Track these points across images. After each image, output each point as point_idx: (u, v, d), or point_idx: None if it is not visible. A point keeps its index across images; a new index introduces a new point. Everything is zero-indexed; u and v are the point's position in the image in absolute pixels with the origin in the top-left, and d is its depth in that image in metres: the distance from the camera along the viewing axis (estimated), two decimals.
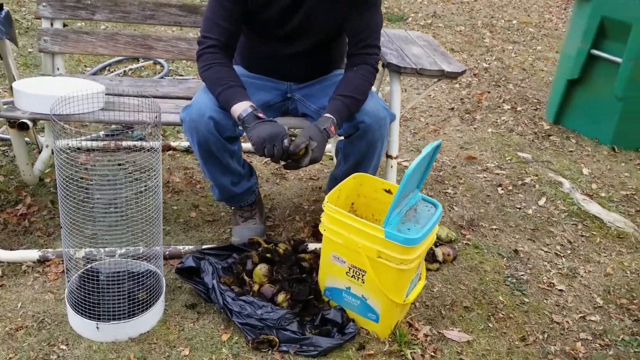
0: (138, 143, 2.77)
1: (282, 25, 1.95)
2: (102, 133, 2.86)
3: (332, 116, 1.84)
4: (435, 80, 2.28)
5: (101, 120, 2.05)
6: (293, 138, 1.83)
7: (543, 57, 5.05)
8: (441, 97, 4.01)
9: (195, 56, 1.92)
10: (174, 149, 2.84)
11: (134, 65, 3.90)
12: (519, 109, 3.88)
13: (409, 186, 1.74)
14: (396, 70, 2.16)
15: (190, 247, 2.11)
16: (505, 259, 2.32)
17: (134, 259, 1.90)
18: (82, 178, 1.59)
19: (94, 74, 3.80)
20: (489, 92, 4.12)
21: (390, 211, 1.69)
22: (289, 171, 2.77)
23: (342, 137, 2.04)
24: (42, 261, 2.00)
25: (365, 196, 2.00)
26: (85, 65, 3.89)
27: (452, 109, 3.81)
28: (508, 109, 3.88)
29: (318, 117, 2.00)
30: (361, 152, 1.97)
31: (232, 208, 2.32)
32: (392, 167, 2.26)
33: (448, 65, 2.24)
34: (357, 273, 1.76)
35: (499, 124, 3.64)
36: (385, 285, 1.74)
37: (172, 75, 3.87)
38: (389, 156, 2.26)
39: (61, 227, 1.70)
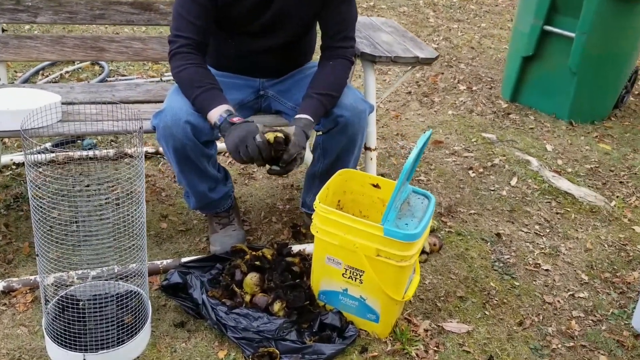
0: (100, 152, 2.65)
1: (253, 21, 1.91)
2: (48, 145, 2.74)
3: (309, 117, 1.82)
4: (409, 67, 2.27)
5: (86, 133, 1.93)
6: (279, 135, 1.76)
7: (489, 34, 5.13)
8: (394, 80, 3.98)
9: (168, 56, 1.85)
10: (131, 156, 2.75)
11: (71, 68, 3.73)
12: (474, 88, 3.93)
13: (402, 180, 1.72)
14: (370, 59, 2.14)
15: (169, 261, 2.04)
16: (489, 243, 2.36)
17: (114, 280, 1.80)
18: (54, 194, 1.51)
19: (26, 80, 3.63)
20: (442, 74, 4.15)
21: (388, 207, 1.68)
22: (256, 170, 2.73)
23: (319, 132, 2.02)
24: (7, 292, 1.89)
25: (352, 192, 1.98)
26: (15, 71, 3.67)
27: (410, 92, 3.80)
28: (464, 89, 3.91)
29: (294, 114, 1.97)
30: (341, 146, 1.96)
31: (206, 215, 2.26)
32: (371, 159, 2.24)
33: (420, 51, 2.23)
34: (355, 274, 1.74)
35: (458, 105, 3.67)
36: (385, 283, 1.72)
37: (113, 76, 3.71)
38: (367, 148, 2.24)
39: (37, 255, 1.59)
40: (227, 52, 2.01)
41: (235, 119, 1.75)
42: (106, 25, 4.21)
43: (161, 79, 3.73)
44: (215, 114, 1.75)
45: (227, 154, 2.87)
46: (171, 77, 3.40)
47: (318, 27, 2.06)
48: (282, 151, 1.73)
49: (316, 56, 2.06)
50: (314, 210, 1.75)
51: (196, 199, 2.07)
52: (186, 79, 1.79)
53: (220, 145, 2.80)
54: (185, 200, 2.17)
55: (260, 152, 1.68)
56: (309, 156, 2.26)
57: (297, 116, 1.81)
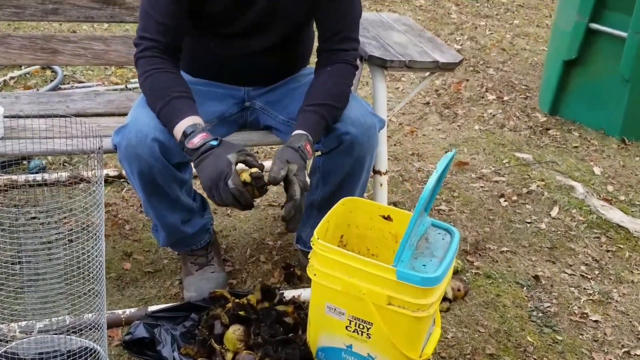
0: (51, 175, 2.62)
1: (236, 19, 1.90)
2: None
3: (305, 132, 1.80)
4: (427, 74, 2.28)
5: (34, 153, 1.92)
6: (254, 170, 1.70)
7: (522, 33, 5.17)
8: (410, 89, 3.97)
9: (133, 61, 1.88)
10: (88, 181, 2.72)
11: (16, 73, 3.73)
12: (506, 98, 3.96)
13: (420, 210, 1.71)
14: (380, 64, 2.16)
15: (133, 310, 2.01)
16: (524, 288, 2.35)
17: (65, 334, 1.75)
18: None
19: None
20: (467, 80, 4.17)
21: (402, 245, 1.67)
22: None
23: (319, 153, 2.01)
24: None
25: (358, 226, 1.97)
26: None
27: (428, 103, 3.83)
28: (493, 99, 3.94)
29: (287, 130, 1.97)
30: (346, 169, 1.95)
31: (180, 254, 2.25)
32: (381, 185, 2.24)
33: (441, 54, 2.24)
34: (361, 326, 1.72)
35: (486, 118, 3.69)
36: (398, 338, 1.69)
37: (68, 83, 3.73)
38: (377, 172, 2.24)
39: None
40: (205, 55, 2.00)
41: (198, 139, 1.69)
42: (60, 22, 4.22)
43: (126, 87, 3.73)
44: (179, 131, 1.73)
45: None
46: (138, 85, 3.45)
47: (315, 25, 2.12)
48: (266, 187, 1.72)
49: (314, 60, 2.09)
50: (311, 248, 1.74)
51: (167, 234, 2.06)
52: (151, 87, 1.80)
53: None
54: (154, 235, 2.16)
55: (236, 198, 1.65)
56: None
57: (293, 133, 1.81)
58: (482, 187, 2.97)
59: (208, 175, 1.67)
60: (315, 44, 2.08)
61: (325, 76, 1.91)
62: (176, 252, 2.31)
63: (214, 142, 1.71)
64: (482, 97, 3.92)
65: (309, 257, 1.78)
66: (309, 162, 1.91)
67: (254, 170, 1.72)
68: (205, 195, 1.82)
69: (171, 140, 1.81)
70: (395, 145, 3.32)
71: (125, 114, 2.15)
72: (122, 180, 2.80)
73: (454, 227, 1.90)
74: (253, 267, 2.33)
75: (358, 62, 2.06)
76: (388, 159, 3.11)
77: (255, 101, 2.10)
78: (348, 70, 1.93)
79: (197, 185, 2.76)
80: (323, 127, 1.86)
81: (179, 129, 1.75)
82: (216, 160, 1.67)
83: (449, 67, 2.18)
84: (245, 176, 1.68)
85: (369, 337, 1.73)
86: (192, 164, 1.78)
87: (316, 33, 2.09)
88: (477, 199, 2.88)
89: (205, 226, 2.14)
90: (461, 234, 2.61)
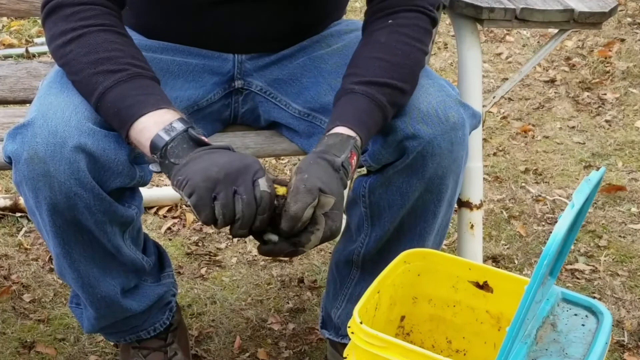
0: None
1: None
2: None
3: (352, 131, 1.73)
4: (556, 32, 2.18)
5: None
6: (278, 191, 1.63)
7: None
8: (523, 58, 3.92)
9: (41, 13, 1.78)
10: None
11: None
12: None
13: (543, 274, 1.68)
14: (473, 15, 2.09)
15: None
16: None
17: None
18: None
19: None
20: (622, 42, 4.02)
21: (510, 334, 1.52)
22: (226, 240, 2.63)
23: (363, 170, 1.93)
24: None
25: (431, 299, 1.89)
26: None
27: (553, 81, 3.69)
28: None
29: (308, 129, 1.94)
30: (411, 201, 1.86)
31: (118, 346, 2.14)
32: (473, 226, 2.18)
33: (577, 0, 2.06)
34: None
35: None
36: None
37: None
38: (465, 204, 2.19)
39: None
40: (169, 3, 1.93)
41: (205, 138, 1.68)
42: None
43: (27, 52, 3.77)
44: (150, 128, 1.67)
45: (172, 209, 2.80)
46: (47, 50, 3.52)
47: None
48: (278, 208, 1.64)
49: (353, 15, 2.08)
50: (347, 338, 1.64)
51: (97, 312, 1.95)
52: (82, 56, 1.73)
53: (150, 193, 2.73)
54: (74, 313, 2.04)
55: (259, 209, 1.62)
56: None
57: (330, 132, 1.74)
58: None
59: (221, 166, 1.62)
60: None
61: (383, 34, 1.83)
62: (112, 343, 2.21)
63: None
64: None
65: (344, 354, 1.66)
66: (348, 184, 1.73)
67: (283, 189, 1.64)
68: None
69: (108, 147, 1.71)
70: (495, 154, 3.17)
71: (25, 102, 2.14)
72: (18, 215, 2.74)
73: (602, 304, 1.74)
74: None
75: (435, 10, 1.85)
76: (485, 179, 3.04)
77: (251, 79, 2.00)
78: (421, 25, 1.84)
79: (149, 227, 2.82)
80: (380, 124, 1.77)
81: (148, 123, 1.70)
82: (230, 153, 1.65)
83: (591, 21, 2.08)
84: (283, 190, 1.66)
85: None
86: (174, 166, 1.69)
87: None
88: None
89: (163, 298, 2.01)
90: (614, 315, 2.42)
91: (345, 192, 1.90)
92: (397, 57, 1.82)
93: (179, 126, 1.70)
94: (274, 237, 1.68)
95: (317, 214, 1.65)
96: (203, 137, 1.70)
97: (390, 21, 1.82)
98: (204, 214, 1.61)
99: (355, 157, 1.72)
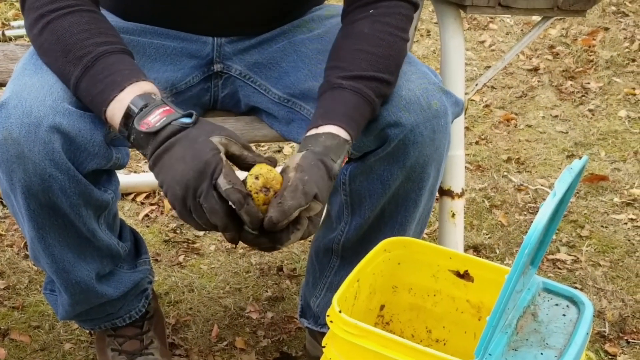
0: None
1: None
2: None
3: (348, 135, 1.72)
4: (539, 19, 2.17)
5: None
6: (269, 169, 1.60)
7: None
8: (506, 46, 3.94)
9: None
10: None
11: None
12: None
13: (524, 263, 1.50)
14: (456, 1, 2.08)
15: None
16: None
17: None
18: None
19: None
20: (606, 30, 4.00)
21: (490, 324, 1.51)
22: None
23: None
24: None
25: (411, 288, 1.87)
26: None
27: (536, 70, 3.67)
28: None
29: (288, 115, 1.93)
30: (392, 189, 1.86)
31: (93, 333, 2.13)
32: (454, 215, 2.17)
33: None
34: None
35: None
36: None
37: None
38: (446, 192, 2.18)
39: None
40: None
41: (156, 116, 1.65)
42: None
43: (4, 36, 3.69)
44: (119, 107, 1.66)
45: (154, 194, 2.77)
46: (24, 33, 3.41)
47: None
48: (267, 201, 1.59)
49: (335, 0, 2.06)
50: (326, 327, 1.63)
51: (71, 298, 1.92)
52: (53, 44, 1.73)
53: (128, 179, 2.70)
54: (48, 300, 2.02)
55: (235, 204, 1.58)
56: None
57: (314, 131, 1.72)
58: (632, 219, 2.83)
59: (181, 175, 1.57)
60: None
61: (365, 24, 1.81)
62: (87, 331, 2.21)
63: (186, 120, 1.62)
64: (634, 60, 3.79)
65: (323, 343, 1.65)
66: None
67: (264, 167, 1.62)
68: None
69: (85, 128, 1.70)
70: (478, 143, 3.18)
71: (2, 85, 2.10)
72: None
73: (583, 294, 1.72)
74: (221, 357, 2.26)
75: None
76: (467, 168, 3.04)
77: (231, 63, 1.98)
78: (403, 12, 1.82)
79: (127, 213, 2.79)
80: (369, 119, 1.76)
81: (119, 104, 1.65)
82: (193, 146, 1.59)
83: (575, 8, 2.06)
84: (274, 174, 1.64)
85: None
86: (148, 163, 1.63)
87: None
88: (623, 241, 2.73)
89: (139, 285, 1.99)
90: (595, 306, 2.43)
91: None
92: (382, 48, 1.82)
93: (153, 101, 1.72)
94: (252, 233, 1.67)
95: (302, 216, 1.64)
96: (149, 119, 1.70)
97: (371, 10, 1.82)
98: (194, 226, 1.64)
99: (345, 160, 1.72)
